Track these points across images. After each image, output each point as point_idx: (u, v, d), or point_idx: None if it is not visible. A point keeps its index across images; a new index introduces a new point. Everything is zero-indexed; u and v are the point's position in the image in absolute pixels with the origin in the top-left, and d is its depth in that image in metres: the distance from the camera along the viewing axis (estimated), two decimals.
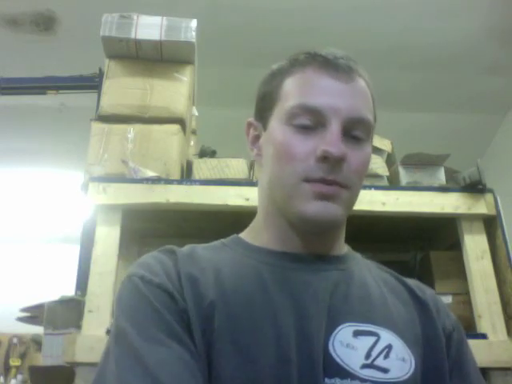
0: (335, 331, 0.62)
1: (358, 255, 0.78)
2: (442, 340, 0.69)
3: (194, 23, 1.56)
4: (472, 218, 1.35)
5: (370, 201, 1.31)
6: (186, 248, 0.71)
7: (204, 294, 0.62)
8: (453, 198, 1.35)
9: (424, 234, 1.56)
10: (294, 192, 0.67)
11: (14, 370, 4.14)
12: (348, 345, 0.61)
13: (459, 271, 1.34)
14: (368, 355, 0.61)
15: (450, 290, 1.36)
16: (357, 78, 0.70)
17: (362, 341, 0.62)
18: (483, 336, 1.22)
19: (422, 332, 0.68)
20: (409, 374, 0.62)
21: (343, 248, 0.75)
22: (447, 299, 1.32)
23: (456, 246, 1.38)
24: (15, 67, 2.48)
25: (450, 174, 1.50)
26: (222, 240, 0.76)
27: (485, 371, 1.18)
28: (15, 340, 4.23)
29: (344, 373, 0.59)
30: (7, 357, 4.20)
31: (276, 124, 0.71)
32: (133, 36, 1.52)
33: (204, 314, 0.60)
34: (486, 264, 1.30)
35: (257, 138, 0.76)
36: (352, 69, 0.70)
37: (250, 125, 0.78)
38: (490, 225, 1.35)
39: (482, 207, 1.34)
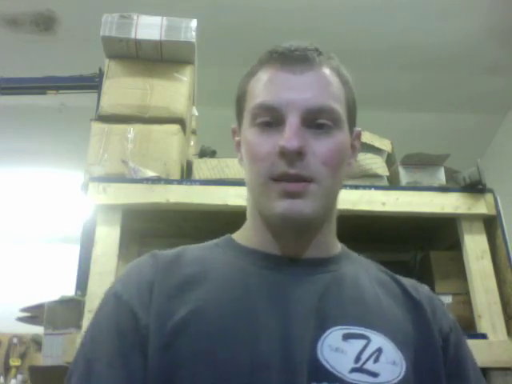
0: (324, 335, 0.61)
1: (353, 255, 0.77)
2: (437, 342, 0.68)
3: (194, 23, 1.56)
4: (472, 217, 1.35)
5: (369, 201, 1.32)
6: (175, 252, 0.72)
7: (175, 309, 0.62)
8: (453, 198, 1.35)
9: (424, 234, 1.56)
10: (262, 191, 0.67)
11: (14, 370, 4.14)
12: (337, 349, 0.60)
13: (459, 271, 1.34)
14: (357, 359, 0.60)
15: (449, 290, 1.36)
16: (316, 67, 0.69)
17: (352, 344, 0.61)
18: (483, 336, 1.22)
19: (415, 334, 0.67)
20: (399, 378, 0.61)
21: (335, 248, 0.74)
22: (447, 299, 1.32)
23: (456, 246, 1.38)
24: (15, 67, 2.48)
25: (450, 174, 1.50)
26: (216, 240, 0.76)
27: (485, 371, 1.18)
28: (15, 340, 4.23)
29: (332, 377, 0.58)
30: (7, 357, 4.20)
31: (245, 126, 0.72)
32: (133, 36, 1.52)
33: (172, 331, 0.60)
34: (486, 264, 1.30)
35: (239, 143, 0.76)
36: (308, 59, 0.69)
37: (233, 131, 0.79)
38: (490, 225, 1.35)
39: (482, 207, 1.34)
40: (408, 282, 0.75)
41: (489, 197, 1.35)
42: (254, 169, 0.68)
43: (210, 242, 0.76)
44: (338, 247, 0.75)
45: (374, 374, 0.60)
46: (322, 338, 0.61)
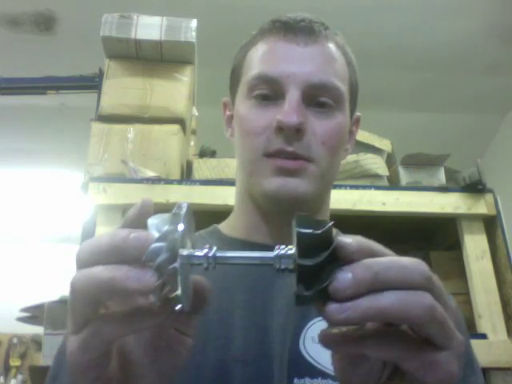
0: (306, 327, 0.58)
1: None
2: None
3: (193, 23, 1.56)
4: (472, 217, 1.35)
5: (369, 201, 1.32)
6: None
7: None
8: (453, 198, 1.35)
9: (424, 234, 1.56)
10: (255, 168, 0.62)
11: (14, 370, 4.15)
12: None
13: (459, 271, 1.34)
14: None
15: (449, 290, 1.36)
16: (321, 40, 0.65)
17: None
18: (483, 336, 1.22)
19: None
20: None
21: None
22: None
23: (456, 246, 1.38)
24: (15, 67, 2.48)
25: (450, 174, 1.50)
26: (201, 231, 0.73)
27: (485, 371, 1.18)
28: (15, 340, 4.23)
29: (314, 371, 0.56)
30: (7, 357, 4.21)
31: (240, 99, 0.67)
32: (133, 36, 1.52)
33: None
34: (486, 264, 1.30)
35: (231, 117, 0.71)
36: (314, 31, 0.65)
37: (224, 105, 0.74)
38: (490, 225, 1.35)
39: (482, 207, 1.34)
40: None
41: (489, 197, 1.35)
42: (246, 144, 0.63)
43: (195, 233, 0.74)
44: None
45: None
46: (305, 330, 0.58)
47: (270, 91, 0.62)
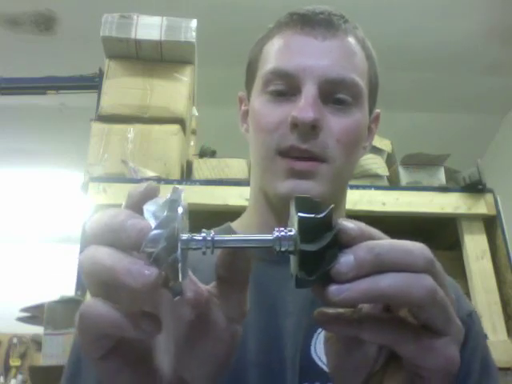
0: (318, 331, 0.57)
1: None
2: None
3: (193, 23, 1.56)
4: (472, 218, 1.35)
5: (369, 201, 1.32)
6: None
7: None
8: (453, 198, 1.35)
9: (424, 234, 1.56)
10: (267, 167, 0.61)
11: (14, 370, 4.14)
12: None
13: (459, 271, 1.34)
14: None
15: None
16: (340, 34, 0.62)
17: None
18: None
19: None
20: None
21: None
22: None
23: (456, 246, 1.38)
24: (15, 67, 2.48)
25: (450, 174, 1.50)
26: (214, 229, 0.72)
27: None
28: (15, 340, 4.23)
29: (325, 377, 0.53)
30: (7, 357, 4.20)
31: (255, 93, 0.64)
32: (133, 36, 1.52)
33: None
34: (486, 264, 1.31)
35: (246, 112, 0.69)
36: (333, 25, 0.62)
37: (240, 99, 0.72)
38: (490, 225, 1.35)
39: (482, 207, 1.34)
40: None
41: (489, 197, 1.35)
42: (259, 140, 0.61)
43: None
44: None
45: None
46: (317, 333, 0.57)
47: (285, 86, 0.60)
